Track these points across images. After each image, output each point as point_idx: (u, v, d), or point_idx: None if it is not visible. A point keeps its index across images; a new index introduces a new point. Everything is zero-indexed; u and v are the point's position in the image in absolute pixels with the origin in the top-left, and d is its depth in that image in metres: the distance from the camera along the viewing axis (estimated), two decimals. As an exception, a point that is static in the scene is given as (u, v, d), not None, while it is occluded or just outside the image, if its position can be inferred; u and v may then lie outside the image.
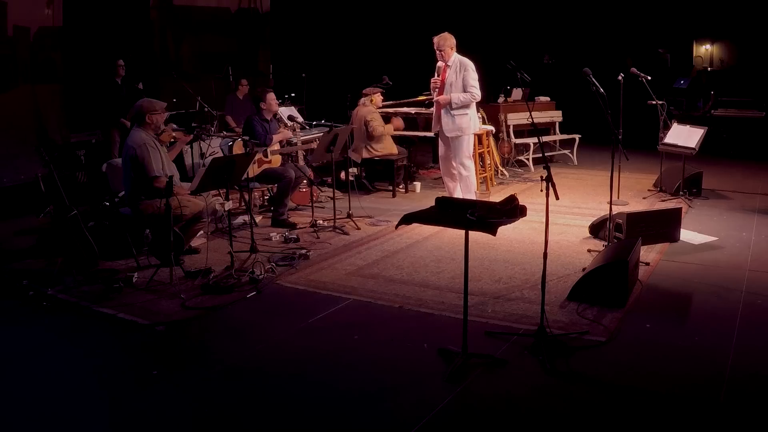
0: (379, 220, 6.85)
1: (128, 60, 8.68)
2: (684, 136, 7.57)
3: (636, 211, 5.94)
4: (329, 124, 7.07)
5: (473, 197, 6.88)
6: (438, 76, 6.93)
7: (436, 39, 6.82)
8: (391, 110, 8.93)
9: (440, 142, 7.18)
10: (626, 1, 12.58)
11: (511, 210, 3.62)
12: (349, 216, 6.67)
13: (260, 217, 6.97)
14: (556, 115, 10.30)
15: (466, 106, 6.84)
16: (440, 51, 6.80)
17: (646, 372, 3.64)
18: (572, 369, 3.67)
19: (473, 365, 3.69)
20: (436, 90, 6.94)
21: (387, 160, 8.04)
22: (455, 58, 6.83)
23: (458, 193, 7.07)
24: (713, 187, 8.04)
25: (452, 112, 6.84)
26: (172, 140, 5.92)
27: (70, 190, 5.65)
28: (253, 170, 6.36)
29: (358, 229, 6.52)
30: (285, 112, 8.16)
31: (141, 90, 8.58)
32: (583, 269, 4.97)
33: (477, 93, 6.84)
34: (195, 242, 5.92)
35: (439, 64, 6.96)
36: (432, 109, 8.78)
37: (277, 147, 6.80)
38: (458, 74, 6.79)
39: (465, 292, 3.71)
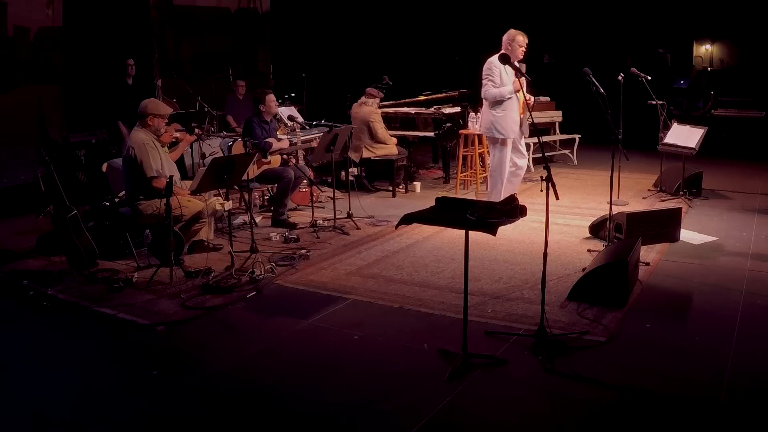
0: (379, 220, 6.85)
1: (127, 59, 8.69)
2: (684, 136, 7.56)
3: (636, 211, 5.94)
4: (329, 124, 7.06)
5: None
6: (511, 75, 6.52)
7: (525, 37, 6.51)
8: (391, 110, 8.94)
9: (512, 145, 6.73)
10: (626, 1, 12.58)
11: (511, 210, 3.62)
12: (349, 216, 6.67)
13: (260, 217, 6.97)
14: (556, 115, 10.29)
15: None
16: (525, 49, 6.53)
17: (646, 372, 3.64)
18: (572, 369, 3.67)
19: (473, 365, 3.69)
20: (518, 90, 6.52)
21: (387, 160, 8.04)
22: None
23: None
24: (713, 187, 8.04)
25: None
26: (174, 140, 5.93)
27: (70, 190, 5.65)
28: (252, 171, 6.36)
29: (358, 229, 6.52)
30: (285, 112, 8.16)
31: (156, 88, 8.57)
32: (583, 269, 4.97)
33: None
34: (216, 240, 6.02)
35: (495, 61, 6.51)
36: (431, 108, 8.83)
37: (276, 147, 6.79)
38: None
39: (465, 292, 3.71)
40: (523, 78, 6.30)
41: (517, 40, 6.51)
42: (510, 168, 6.85)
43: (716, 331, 4.12)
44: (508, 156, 6.71)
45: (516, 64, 6.38)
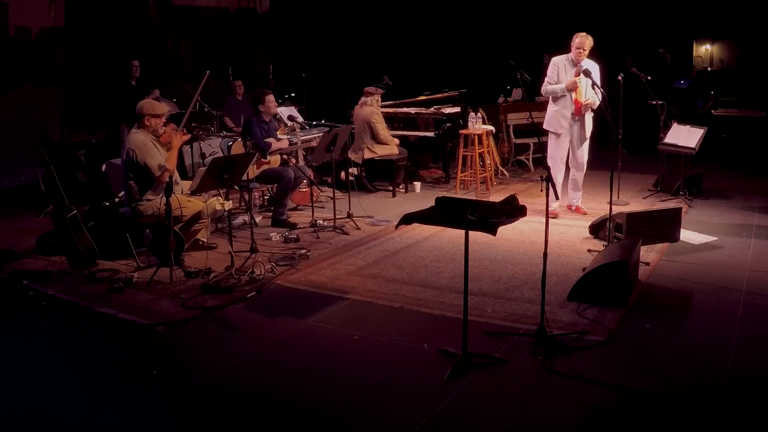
0: (379, 220, 6.85)
1: (129, 60, 8.69)
2: (684, 136, 7.56)
3: (636, 211, 5.94)
4: (329, 124, 7.07)
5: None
6: (571, 75, 6.55)
7: (582, 39, 6.47)
8: (391, 110, 8.94)
9: (569, 144, 6.79)
10: (626, 1, 12.58)
11: (511, 210, 3.62)
12: (349, 216, 6.67)
13: (260, 217, 6.97)
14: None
15: None
16: (585, 51, 6.51)
17: (646, 372, 3.65)
18: (572, 369, 3.67)
19: (473, 365, 3.69)
20: (572, 91, 6.57)
21: (387, 160, 8.04)
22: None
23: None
24: (713, 187, 8.03)
25: (589, 113, 6.72)
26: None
27: (70, 190, 5.65)
28: (252, 171, 6.36)
29: (358, 229, 6.52)
30: (285, 112, 8.16)
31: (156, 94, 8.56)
32: (583, 269, 4.96)
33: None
34: (214, 241, 6.01)
35: (558, 60, 6.58)
36: (431, 108, 8.83)
37: (275, 147, 6.79)
38: (589, 77, 6.28)
39: (465, 291, 3.71)
40: (581, 78, 6.40)
41: (574, 42, 6.55)
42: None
43: (716, 331, 4.12)
44: (560, 149, 6.79)
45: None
